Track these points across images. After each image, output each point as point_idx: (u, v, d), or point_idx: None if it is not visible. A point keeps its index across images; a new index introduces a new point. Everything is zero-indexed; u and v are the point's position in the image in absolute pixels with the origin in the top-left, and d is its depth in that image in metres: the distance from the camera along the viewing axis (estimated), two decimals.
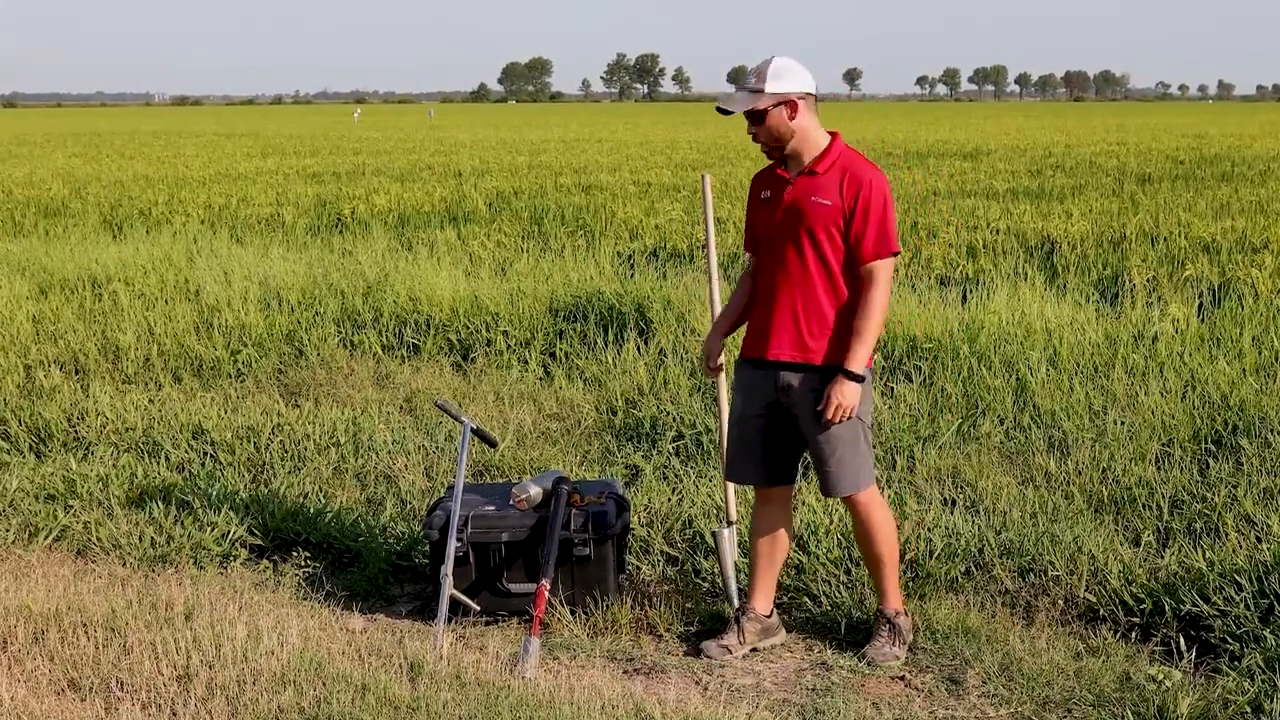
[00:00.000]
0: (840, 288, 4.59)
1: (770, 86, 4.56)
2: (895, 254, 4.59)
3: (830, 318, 4.60)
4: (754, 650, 4.87)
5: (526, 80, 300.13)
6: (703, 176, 5.29)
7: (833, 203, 4.57)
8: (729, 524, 5.23)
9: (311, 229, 15.68)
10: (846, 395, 4.54)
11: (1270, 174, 22.27)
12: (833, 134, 4.71)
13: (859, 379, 4.54)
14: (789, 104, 4.57)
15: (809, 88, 4.62)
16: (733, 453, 4.94)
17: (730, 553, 5.18)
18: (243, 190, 20.78)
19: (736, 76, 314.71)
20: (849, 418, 4.59)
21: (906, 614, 4.88)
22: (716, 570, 5.37)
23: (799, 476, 5.13)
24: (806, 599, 5.23)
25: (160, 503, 6.11)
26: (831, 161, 4.61)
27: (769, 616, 4.95)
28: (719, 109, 4.71)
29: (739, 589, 5.20)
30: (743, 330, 4.96)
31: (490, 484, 5.78)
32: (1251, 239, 12.58)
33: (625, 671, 4.70)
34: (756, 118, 4.61)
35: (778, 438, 4.82)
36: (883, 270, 4.55)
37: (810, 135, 4.64)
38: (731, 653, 4.81)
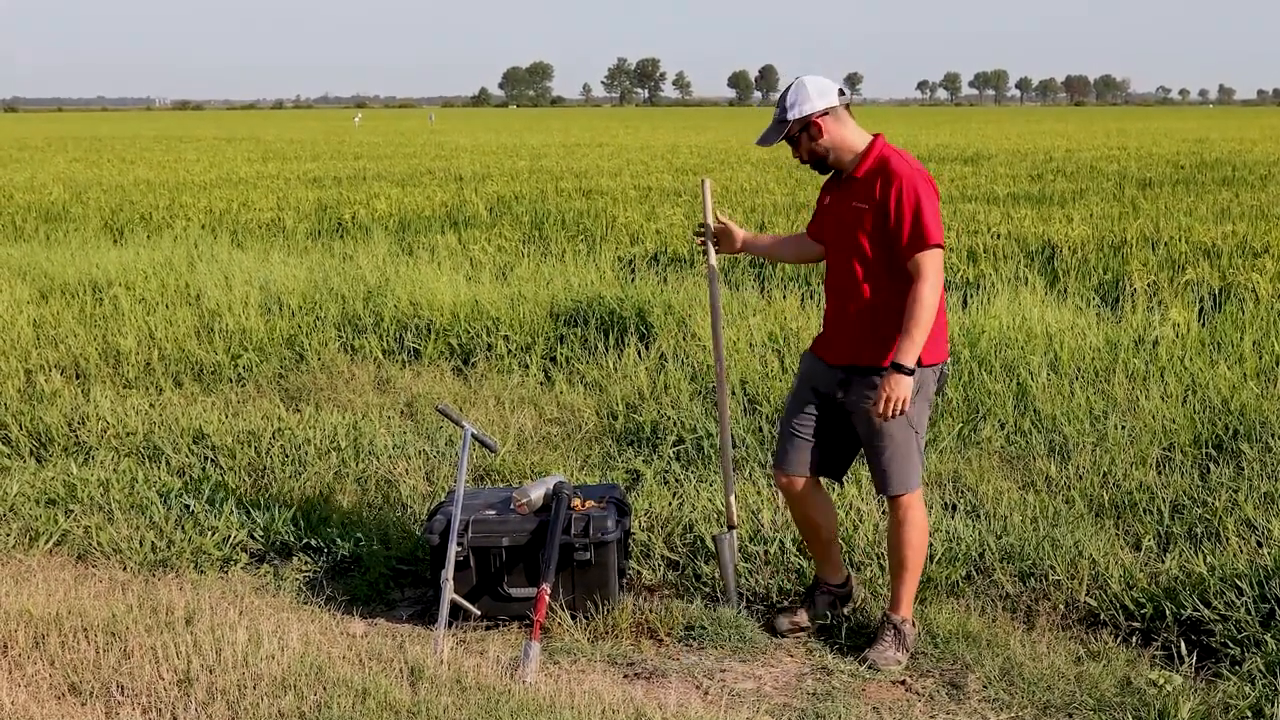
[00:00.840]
0: (887, 290, 4.63)
1: (792, 114, 4.68)
2: (935, 246, 4.52)
3: (881, 320, 4.65)
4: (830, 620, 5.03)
5: (527, 85, 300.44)
6: (702, 181, 5.31)
7: (869, 206, 4.64)
8: (730, 529, 5.24)
9: (312, 233, 15.69)
10: (896, 388, 4.52)
11: (1271, 178, 22.27)
12: (874, 136, 4.76)
13: (908, 372, 4.52)
14: (812, 125, 4.68)
15: (830, 102, 4.68)
16: (781, 438, 5.00)
17: (731, 558, 5.19)
18: (244, 195, 20.79)
19: (738, 81, 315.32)
20: (901, 411, 4.56)
21: (914, 624, 4.89)
22: (717, 574, 5.38)
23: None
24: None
25: (161, 507, 6.11)
26: (869, 165, 4.68)
27: (843, 586, 5.10)
28: (757, 144, 4.86)
29: (739, 593, 5.22)
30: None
31: (491, 489, 5.78)
32: (1252, 243, 12.58)
33: (626, 676, 4.70)
34: (791, 144, 4.76)
35: (827, 428, 4.88)
36: (925, 263, 4.52)
37: (847, 144, 4.72)
38: (801, 629, 5.00)
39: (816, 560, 5.15)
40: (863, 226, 4.66)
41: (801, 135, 4.70)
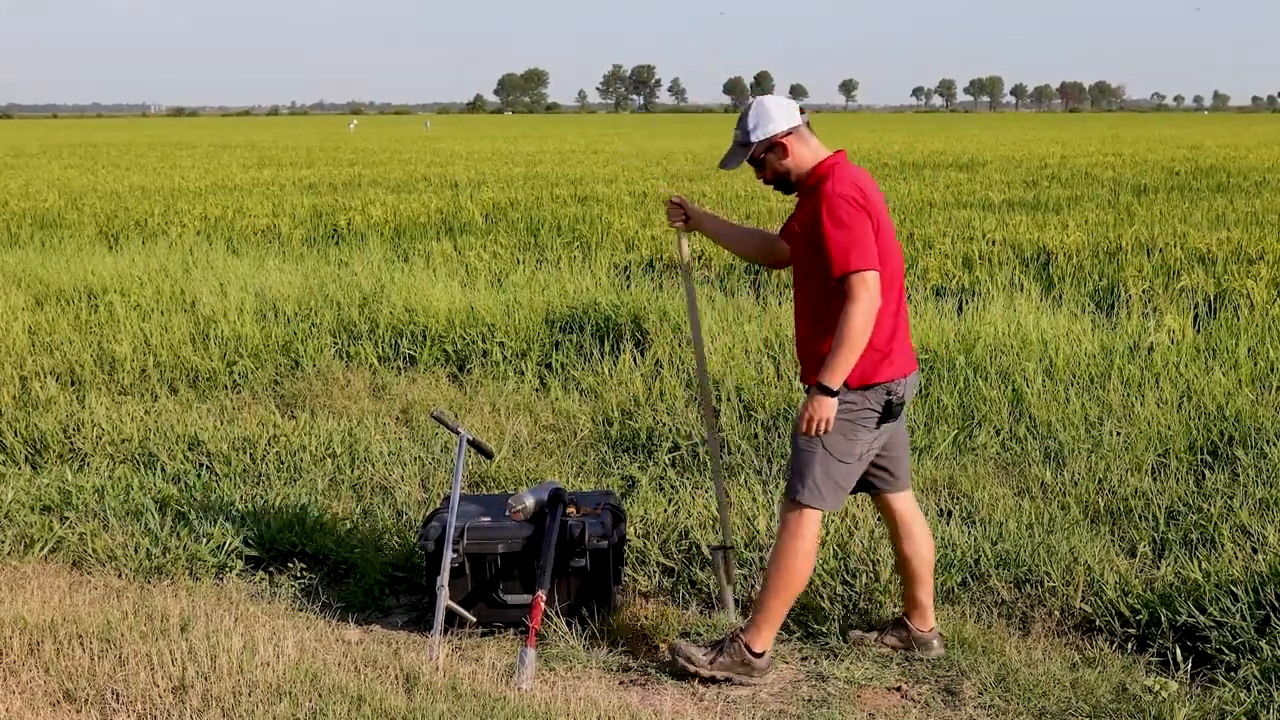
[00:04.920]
0: (824, 310, 4.53)
1: (755, 135, 4.65)
2: (856, 270, 4.38)
3: (821, 339, 4.57)
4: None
5: (523, 91, 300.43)
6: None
7: (802, 227, 4.61)
8: (726, 548, 5.26)
9: (307, 240, 15.69)
10: (815, 408, 4.48)
11: (1266, 185, 22.31)
12: (832, 154, 4.67)
13: (830, 392, 4.46)
14: (777, 145, 4.65)
15: (793, 121, 4.64)
16: None
17: (725, 577, 5.22)
18: (239, 201, 20.78)
19: (733, 88, 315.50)
20: (824, 431, 4.50)
21: (759, 656, 4.67)
22: (713, 580, 5.40)
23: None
24: (803, 610, 5.22)
25: (156, 514, 6.10)
26: (809, 184, 4.65)
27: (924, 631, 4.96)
28: (720, 167, 4.78)
29: (737, 600, 5.23)
30: None
31: (486, 495, 5.77)
32: (1247, 250, 12.61)
33: (621, 683, 4.70)
34: (755, 166, 4.71)
35: None
36: (850, 286, 4.40)
37: (807, 164, 4.66)
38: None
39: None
40: (802, 247, 4.62)
41: (768, 156, 4.66)
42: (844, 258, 4.40)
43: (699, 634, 5.03)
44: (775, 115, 4.64)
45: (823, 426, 4.49)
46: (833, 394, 4.46)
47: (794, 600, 4.71)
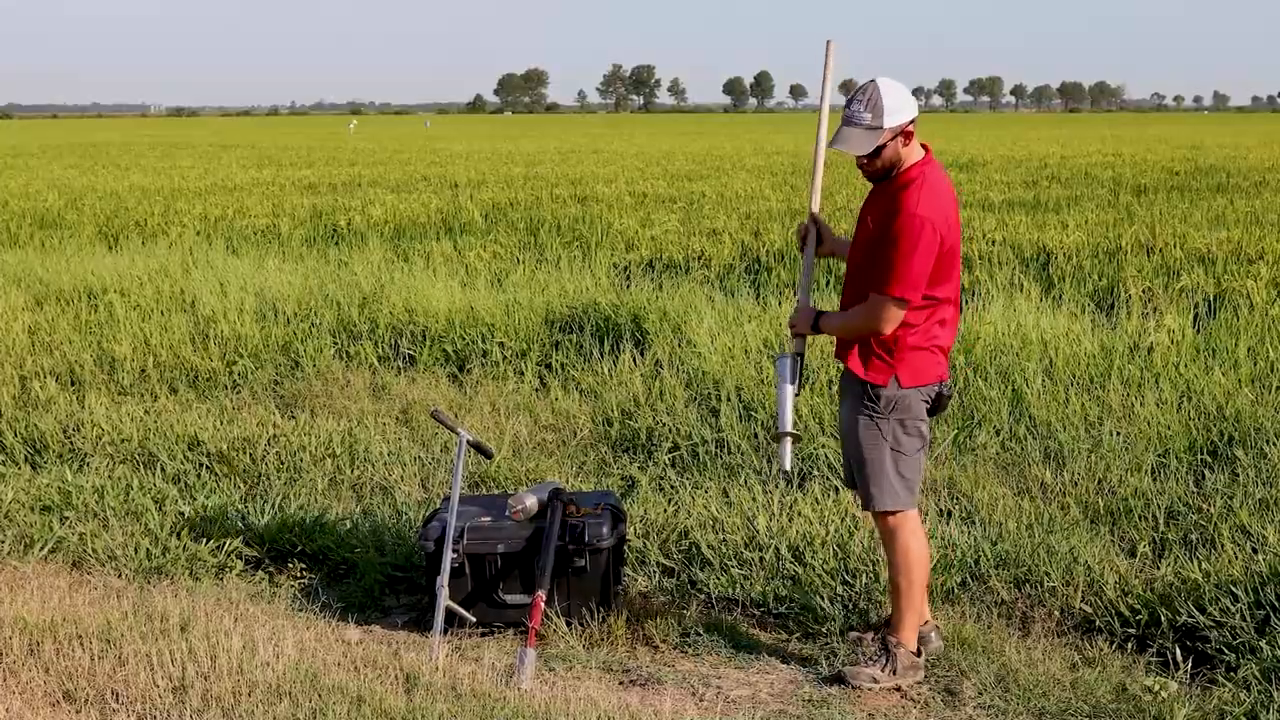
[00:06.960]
0: None
1: (890, 120, 4.41)
2: (895, 298, 4.39)
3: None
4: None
5: (522, 91, 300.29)
6: (827, 43, 4.87)
7: (875, 224, 4.54)
8: (796, 355, 4.87)
9: (307, 240, 15.68)
10: (798, 319, 4.77)
11: (1266, 185, 22.30)
12: (925, 153, 4.58)
13: (815, 329, 4.70)
14: (905, 134, 4.49)
15: (915, 110, 4.51)
16: None
17: (791, 378, 4.83)
18: (239, 201, 20.78)
19: (733, 88, 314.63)
20: (792, 328, 4.78)
21: (916, 653, 4.73)
22: (713, 580, 5.40)
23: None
24: (803, 610, 5.23)
25: (156, 514, 6.10)
26: (897, 184, 4.51)
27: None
28: (837, 149, 4.51)
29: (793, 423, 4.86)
30: None
31: (486, 495, 5.77)
32: (1247, 250, 12.60)
33: (621, 683, 4.70)
34: (875, 153, 4.49)
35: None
36: (883, 305, 4.42)
37: (910, 159, 4.54)
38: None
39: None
40: (867, 238, 4.58)
41: (893, 143, 4.46)
42: (892, 280, 4.40)
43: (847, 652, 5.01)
44: (904, 102, 4.47)
45: (789, 329, 4.84)
46: (814, 330, 4.73)
47: (927, 586, 4.80)
